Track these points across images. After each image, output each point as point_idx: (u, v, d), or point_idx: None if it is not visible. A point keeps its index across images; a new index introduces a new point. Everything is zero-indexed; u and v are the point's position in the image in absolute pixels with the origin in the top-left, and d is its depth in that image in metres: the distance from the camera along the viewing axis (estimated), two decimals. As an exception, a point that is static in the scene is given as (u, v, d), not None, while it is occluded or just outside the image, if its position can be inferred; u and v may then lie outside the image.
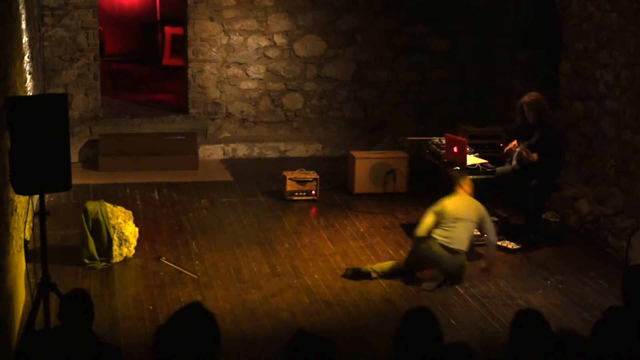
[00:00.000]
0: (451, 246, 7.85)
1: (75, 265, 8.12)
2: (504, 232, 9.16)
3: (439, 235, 7.89)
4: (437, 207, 7.98)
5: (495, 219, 9.59)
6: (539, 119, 8.89)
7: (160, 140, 11.46)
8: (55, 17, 11.20)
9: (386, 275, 8.03)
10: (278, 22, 11.79)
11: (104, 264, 8.15)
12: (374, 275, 8.03)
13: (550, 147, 8.89)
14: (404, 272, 8.05)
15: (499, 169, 8.96)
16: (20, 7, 8.33)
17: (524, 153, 8.83)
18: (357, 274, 8.04)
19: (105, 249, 8.17)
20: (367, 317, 7.41)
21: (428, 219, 7.95)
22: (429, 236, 7.91)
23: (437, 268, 7.90)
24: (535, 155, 8.78)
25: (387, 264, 8.16)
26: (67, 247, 8.49)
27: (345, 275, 8.07)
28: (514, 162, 9.01)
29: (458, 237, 7.87)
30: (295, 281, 8.01)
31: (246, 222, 9.46)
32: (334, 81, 12.06)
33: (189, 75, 11.75)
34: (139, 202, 9.93)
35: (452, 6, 12.08)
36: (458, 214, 7.91)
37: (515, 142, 9.08)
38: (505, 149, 9.17)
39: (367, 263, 8.44)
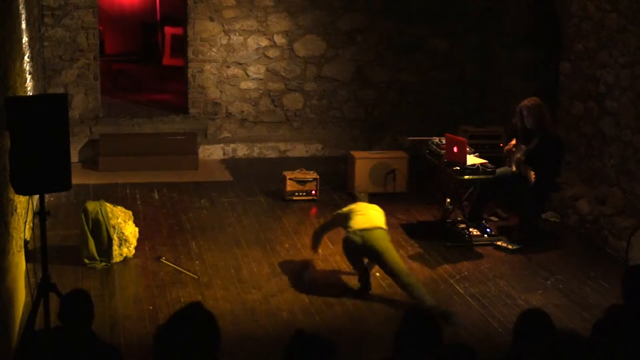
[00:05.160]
0: None
1: (75, 265, 8.12)
2: (503, 232, 9.18)
3: None
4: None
5: (495, 219, 9.62)
6: (537, 124, 8.82)
7: (160, 140, 11.47)
8: (55, 17, 11.19)
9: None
10: (278, 22, 11.79)
11: (104, 264, 8.15)
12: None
13: (548, 156, 8.80)
14: None
15: (498, 170, 8.95)
16: (20, 7, 8.33)
17: (523, 168, 8.77)
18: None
19: (105, 249, 8.17)
20: (367, 317, 7.41)
21: None
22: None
23: None
24: (532, 175, 8.68)
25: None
26: (67, 247, 8.49)
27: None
28: (513, 168, 8.98)
29: None
30: (295, 281, 8.01)
31: (246, 222, 9.45)
32: (334, 81, 12.06)
33: (189, 75, 11.75)
34: (139, 202, 9.93)
35: (452, 6, 12.08)
36: None
37: (514, 141, 9.05)
38: (505, 149, 9.15)
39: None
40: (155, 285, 7.83)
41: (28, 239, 7.77)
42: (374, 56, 12.07)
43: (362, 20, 11.95)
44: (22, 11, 8.50)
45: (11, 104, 5.96)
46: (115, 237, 8.17)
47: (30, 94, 8.87)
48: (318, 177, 10.25)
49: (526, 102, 8.90)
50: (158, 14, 16.34)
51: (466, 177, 8.78)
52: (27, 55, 8.76)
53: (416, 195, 10.34)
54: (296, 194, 10.15)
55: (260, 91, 11.92)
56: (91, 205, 8.26)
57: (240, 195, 10.33)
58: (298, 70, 11.94)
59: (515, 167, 8.94)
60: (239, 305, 7.51)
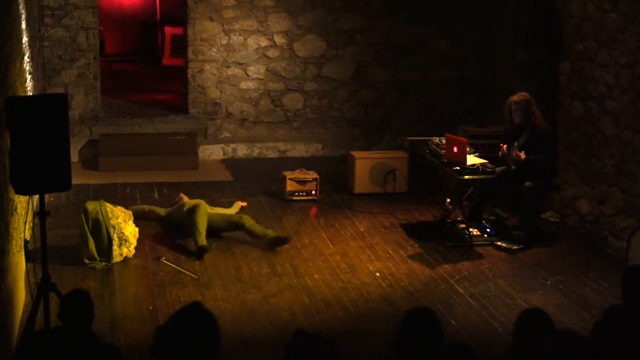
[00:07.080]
0: None
1: (75, 265, 8.12)
2: (503, 232, 9.17)
3: None
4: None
5: (495, 218, 9.61)
6: (526, 119, 8.86)
7: (160, 140, 11.46)
8: (55, 17, 11.19)
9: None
10: (278, 22, 11.78)
11: (104, 264, 8.15)
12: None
13: (540, 147, 8.83)
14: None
15: (498, 169, 8.95)
16: (20, 7, 8.33)
17: (514, 154, 8.82)
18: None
19: (105, 249, 8.17)
20: (367, 317, 7.41)
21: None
22: None
23: None
24: (522, 154, 8.75)
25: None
26: (67, 247, 8.49)
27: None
28: (512, 167, 8.99)
29: None
30: (295, 281, 8.01)
31: (246, 222, 9.44)
32: (334, 81, 12.06)
33: (189, 75, 11.75)
34: (139, 202, 9.92)
35: (452, 6, 12.08)
36: None
37: (505, 146, 9.05)
38: (500, 154, 9.15)
39: (367, 263, 8.45)
40: (155, 285, 7.83)
41: (28, 239, 7.77)
42: (374, 56, 12.07)
43: (362, 20, 11.94)
44: (22, 11, 8.50)
45: (11, 104, 5.96)
46: (115, 237, 8.18)
47: (30, 94, 8.87)
48: (318, 177, 10.25)
49: (515, 97, 8.93)
50: (158, 14, 16.35)
51: (466, 177, 8.79)
52: (27, 55, 8.76)
53: (416, 195, 10.34)
54: (296, 194, 10.15)
55: (260, 91, 11.92)
56: (91, 205, 8.26)
57: (240, 195, 10.32)
58: (298, 70, 11.94)
59: (513, 164, 8.95)
60: (239, 305, 7.50)
